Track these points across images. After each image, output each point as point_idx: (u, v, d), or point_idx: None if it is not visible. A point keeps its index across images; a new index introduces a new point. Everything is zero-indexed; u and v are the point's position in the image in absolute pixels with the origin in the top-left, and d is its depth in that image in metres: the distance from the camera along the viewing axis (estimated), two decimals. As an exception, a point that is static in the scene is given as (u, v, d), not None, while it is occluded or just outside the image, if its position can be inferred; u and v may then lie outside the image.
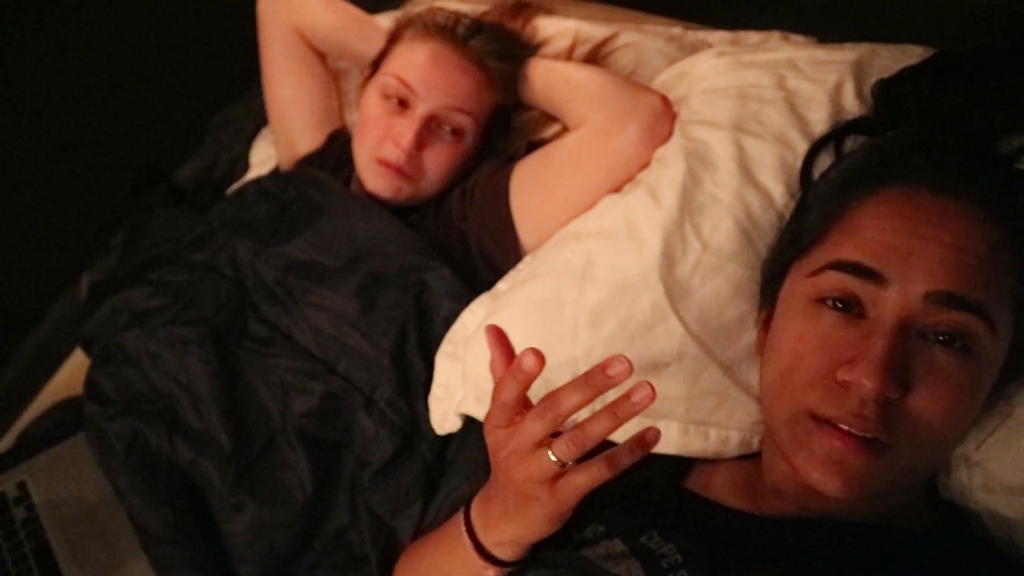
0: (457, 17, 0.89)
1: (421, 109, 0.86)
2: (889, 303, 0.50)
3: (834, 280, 0.52)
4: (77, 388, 0.92)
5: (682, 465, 0.67)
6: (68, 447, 0.88)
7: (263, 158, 1.15)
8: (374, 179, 0.89)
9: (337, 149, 1.01)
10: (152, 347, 0.82)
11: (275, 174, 1.01)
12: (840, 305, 0.52)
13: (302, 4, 0.98)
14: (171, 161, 1.19)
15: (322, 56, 1.03)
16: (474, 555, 0.59)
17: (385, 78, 0.88)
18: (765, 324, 0.62)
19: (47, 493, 0.83)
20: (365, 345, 0.79)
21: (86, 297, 1.10)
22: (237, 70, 1.24)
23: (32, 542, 0.79)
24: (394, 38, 0.91)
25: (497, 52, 0.87)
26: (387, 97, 0.87)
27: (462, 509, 0.62)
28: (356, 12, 0.98)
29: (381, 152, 0.87)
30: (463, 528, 0.60)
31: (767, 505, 0.58)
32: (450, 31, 0.87)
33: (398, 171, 0.87)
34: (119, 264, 1.12)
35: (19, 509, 0.82)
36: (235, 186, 1.07)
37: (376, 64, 0.92)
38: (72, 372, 1.10)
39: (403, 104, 0.87)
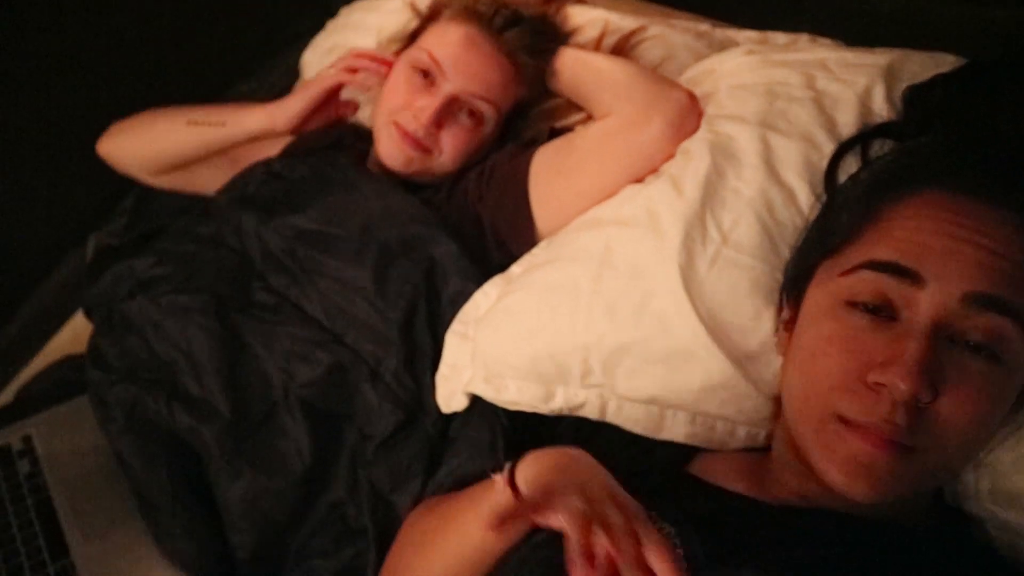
0: (497, 6, 0.88)
1: (446, 89, 0.86)
2: (924, 304, 0.50)
3: (868, 280, 0.52)
4: (80, 346, 0.93)
5: (687, 451, 0.68)
6: (74, 406, 0.88)
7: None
8: (388, 141, 0.89)
9: (339, 133, 1.02)
10: (155, 315, 0.82)
11: (285, 155, 1.01)
12: (871, 307, 0.52)
13: (127, 155, 1.01)
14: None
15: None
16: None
17: (417, 52, 0.88)
18: (787, 325, 0.61)
19: (52, 450, 0.83)
20: (374, 317, 0.79)
21: (91, 260, 1.10)
22: (252, 47, 1.24)
23: (34, 496, 0.79)
24: (432, 15, 0.92)
25: (530, 47, 0.87)
26: (416, 70, 0.88)
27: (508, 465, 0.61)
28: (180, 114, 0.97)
29: (400, 118, 0.87)
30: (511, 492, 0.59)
31: (769, 492, 0.59)
32: (488, 19, 0.87)
33: (413, 141, 0.87)
34: (126, 229, 1.12)
35: (23, 463, 0.82)
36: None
37: (411, 38, 0.93)
38: (76, 330, 1.10)
39: (429, 81, 0.87)
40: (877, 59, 0.70)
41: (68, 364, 1.03)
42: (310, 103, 0.93)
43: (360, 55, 0.93)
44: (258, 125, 0.94)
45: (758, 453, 0.65)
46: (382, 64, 0.92)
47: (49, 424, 0.86)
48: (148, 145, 1.00)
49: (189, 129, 0.96)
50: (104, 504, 0.80)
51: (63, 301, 1.15)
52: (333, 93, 0.95)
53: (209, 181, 1.03)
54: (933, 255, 0.50)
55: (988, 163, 0.53)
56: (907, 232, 0.52)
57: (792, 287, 0.61)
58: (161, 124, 0.99)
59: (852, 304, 0.53)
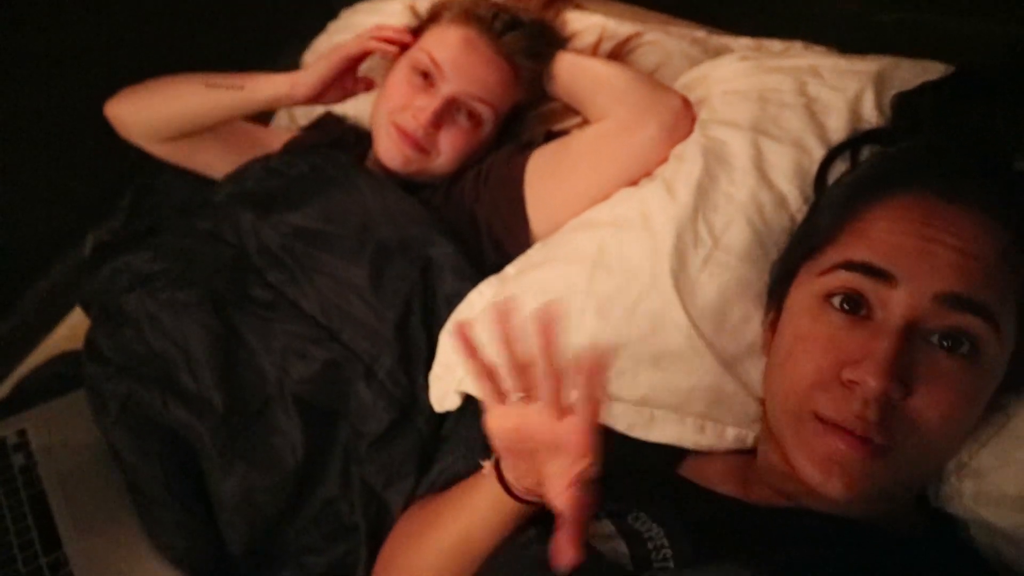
0: (497, 10, 0.90)
1: (445, 90, 0.87)
2: (897, 303, 0.51)
3: (843, 280, 0.53)
4: (77, 342, 0.93)
5: (676, 452, 0.69)
6: (70, 401, 0.88)
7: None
8: (387, 142, 0.90)
9: (339, 133, 1.03)
10: (151, 309, 0.83)
11: (283, 153, 1.01)
12: (847, 307, 0.53)
13: (139, 118, 1.00)
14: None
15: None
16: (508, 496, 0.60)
17: (418, 53, 0.89)
18: (772, 325, 0.62)
19: (46, 443, 0.83)
20: (370, 315, 0.80)
21: (89, 256, 1.11)
22: (253, 49, 1.25)
23: (29, 490, 0.79)
24: (432, 17, 0.93)
25: (528, 50, 0.89)
26: (415, 71, 0.89)
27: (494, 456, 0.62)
28: (193, 79, 0.97)
29: (399, 119, 0.88)
30: (495, 476, 0.61)
31: (758, 494, 0.59)
32: (487, 22, 0.89)
33: (412, 141, 0.88)
34: (124, 225, 1.13)
35: (18, 456, 0.82)
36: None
37: (412, 39, 0.94)
38: (73, 326, 1.11)
39: (429, 82, 0.88)
40: (868, 66, 0.71)
41: (64, 359, 1.03)
42: (332, 71, 0.92)
43: (383, 27, 0.93)
44: (278, 90, 0.93)
45: (747, 455, 0.65)
46: (406, 34, 0.92)
47: (44, 418, 0.86)
48: (161, 106, 0.98)
49: (207, 91, 0.95)
50: (98, 498, 0.80)
51: (61, 297, 1.15)
52: (354, 63, 0.94)
53: (211, 159, 1.03)
54: (906, 256, 0.51)
55: (962, 167, 0.55)
56: (882, 233, 0.53)
57: (776, 288, 0.62)
58: (178, 85, 0.98)
59: (828, 303, 0.54)
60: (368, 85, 0.97)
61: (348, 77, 0.95)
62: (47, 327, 1.14)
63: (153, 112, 0.99)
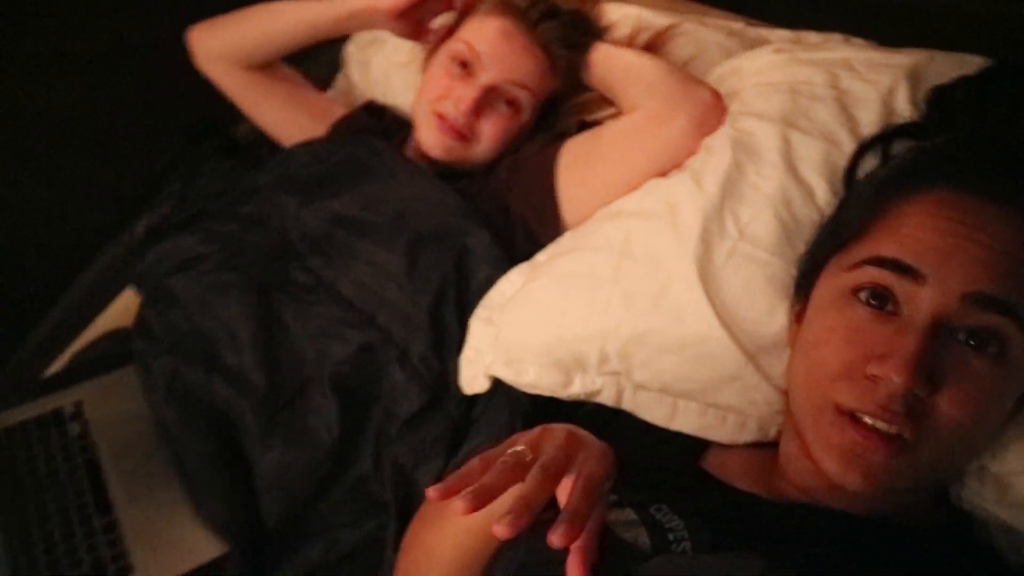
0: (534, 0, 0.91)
1: (484, 78, 0.89)
2: (924, 301, 0.50)
3: (871, 275, 0.53)
4: (129, 319, 0.98)
5: (700, 444, 0.69)
6: (122, 375, 0.93)
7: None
8: (428, 131, 0.92)
9: (386, 122, 1.06)
10: (198, 291, 0.87)
11: (327, 137, 1.04)
12: (874, 302, 0.53)
13: (225, 39, 1.02)
14: (230, 119, 1.24)
15: (270, 67, 1.05)
16: None
17: (456, 44, 0.91)
18: (798, 317, 0.62)
19: (100, 414, 0.89)
20: (405, 301, 0.82)
21: (141, 238, 1.16)
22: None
23: (84, 456, 0.85)
24: (469, 7, 0.94)
25: (564, 39, 0.90)
26: (454, 61, 0.91)
27: None
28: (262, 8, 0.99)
29: (440, 107, 0.91)
30: None
31: (778, 491, 0.60)
32: (523, 12, 0.90)
33: (452, 129, 0.90)
34: (174, 210, 1.18)
35: (74, 425, 0.87)
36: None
37: (450, 31, 0.96)
38: (126, 304, 1.16)
39: (467, 71, 0.90)
40: (902, 59, 0.70)
41: (117, 336, 1.08)
42: None
43: None
44: (358, 2, 0.94)
45: (768, 449, 0.66)
46: None
47: (98, 391, 0.92)
48: (247, 22, 1.01)
49: (295, 5, 0.97)
50: (147, 467, 0.84)
51: (113, 277, 1.20)
52: None
53: (275, 109, 1.06)
54: (935, 253, 0.51)
55: (996, 163, 0.54)
56: (911, 229, 0.52)
57: (803, 281, 0.62)
58: (264, 4, 1.00)
59: (855, 298, 0.54)
60: (437, 39, 0.96)
61: (427, 15, 0.95)
62: (101, 305, 1.20)
63: (238, 29, 1.01)
